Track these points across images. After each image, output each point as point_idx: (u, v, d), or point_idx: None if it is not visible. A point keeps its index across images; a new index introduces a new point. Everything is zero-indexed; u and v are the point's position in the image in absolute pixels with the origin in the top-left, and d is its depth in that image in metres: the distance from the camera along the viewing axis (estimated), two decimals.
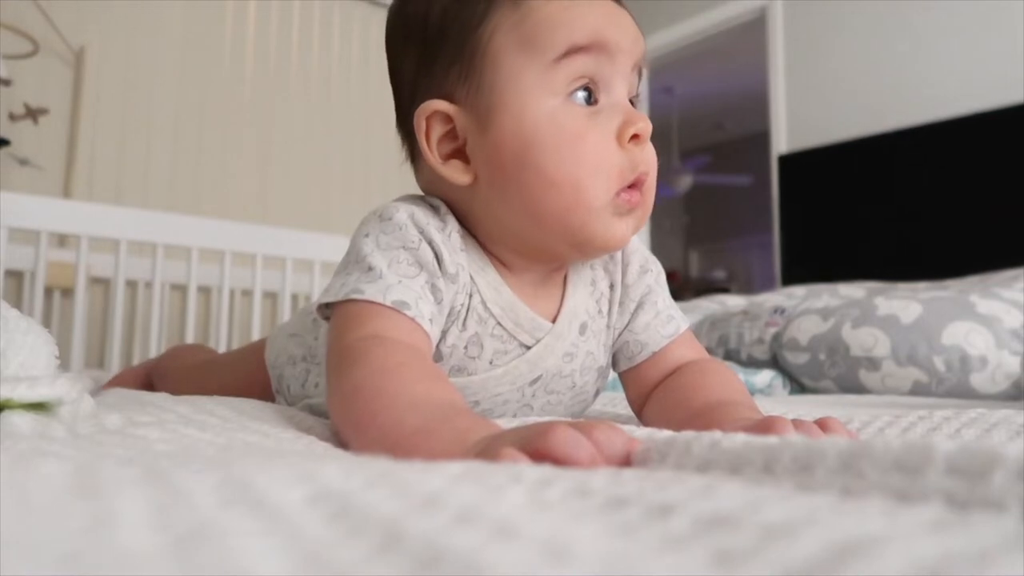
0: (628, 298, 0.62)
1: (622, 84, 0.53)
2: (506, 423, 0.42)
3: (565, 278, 0.60)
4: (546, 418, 0.49)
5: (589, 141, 0.51)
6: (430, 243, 0.53)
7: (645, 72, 0.57)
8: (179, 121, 2.30)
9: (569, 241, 0.54)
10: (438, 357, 0.55)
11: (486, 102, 0.52)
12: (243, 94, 2.45)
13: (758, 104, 3.29)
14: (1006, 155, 2.13)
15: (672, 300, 0.64)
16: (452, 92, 0.54)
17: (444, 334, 0.55)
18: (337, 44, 2.68)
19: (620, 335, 0.62)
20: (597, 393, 0.64)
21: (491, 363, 0.56)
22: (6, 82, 1.84)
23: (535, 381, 0.58)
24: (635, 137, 0.52)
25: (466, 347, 0.56)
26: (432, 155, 0.54)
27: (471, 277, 0.56)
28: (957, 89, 2.32)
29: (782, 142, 2.77)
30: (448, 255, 0.53)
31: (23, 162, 1.94)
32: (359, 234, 0.54)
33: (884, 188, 2.39)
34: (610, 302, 0.62)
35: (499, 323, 0.56)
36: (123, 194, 2.15)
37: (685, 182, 5.37)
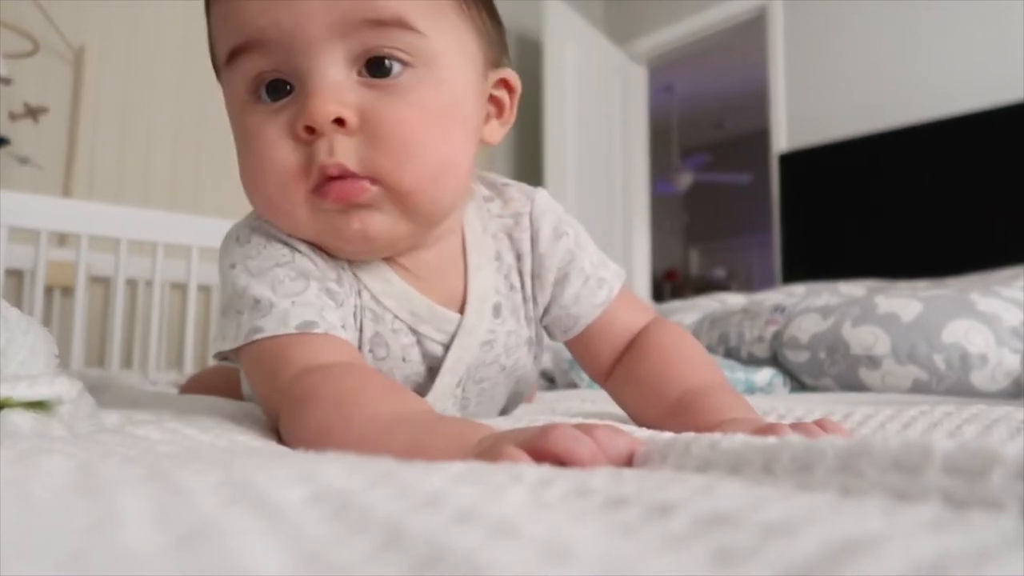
0: (543, 268, 0.57)
1: (323, 63, 0.45)
2: (502, 422, 0.42)
3: (465, 259, 0.55)
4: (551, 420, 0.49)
5: (260, 142, 0.46)
6: (299, 251, 0.50)
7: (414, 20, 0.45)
8: (179, 120, 2.30)
9: (318, 243, 0.50)
10: None
11: None
12: None
13: (758, 103, 3.29)
14: (1005, 153, 2.13)
15: (600, 256, 0.59)
16: None
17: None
18: None
19: (548, 309, 0.58)
20: (536, 359, 0.61)
21: (404, 360, 0.53)
22: (6, 81, 1.84)
23: (459, 383, 0.56)
24: (309, 130, 0.44)
25: (371, 350, 0.52)
26: None
27: (353, 274, 0.52)
28: (957, 87, 2.32)
29: (782, 140, 2.77)
30: (323, 256, 0.51)
31: (23, 161, 1.94)
32: (225, 266, 0.51)
33: (884, 186, 2.38)
34: (520, 273, 0.57)
35: (396, 316, 0.52)
36: (123, 193, 2.15)
37: (685, 181, 5.37)
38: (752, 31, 3.07)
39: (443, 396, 0.55)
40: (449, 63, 0.47)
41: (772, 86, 2.85)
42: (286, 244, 0.50)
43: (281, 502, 0.18)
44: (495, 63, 0.53)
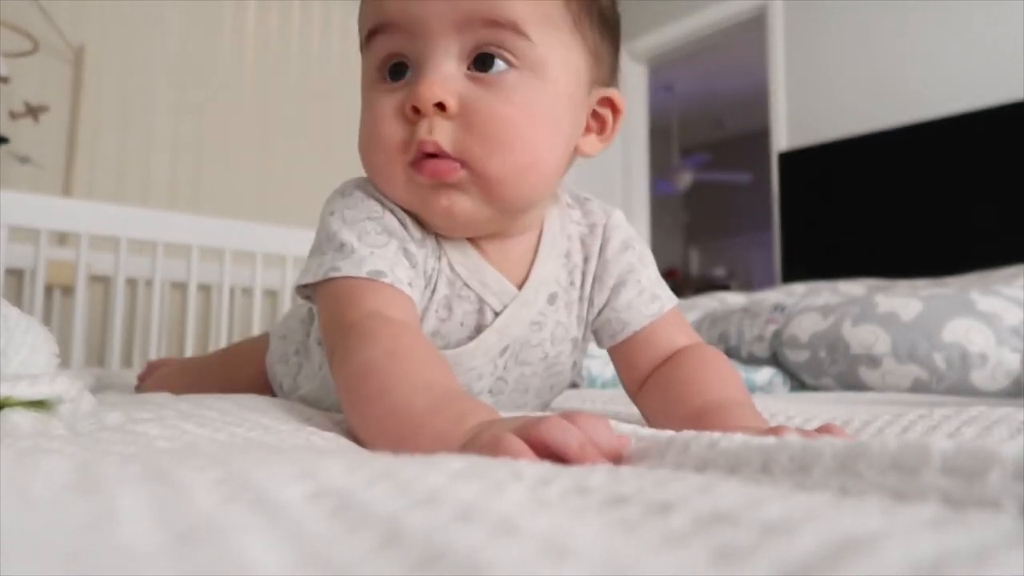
0: (606, 273, 0.61)
1: (438, 54, 0.50)
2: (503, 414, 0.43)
3: (538, 247, 0.60)
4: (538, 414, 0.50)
5: (375, 116, 0.52)
6: (392, 211, 0.55)
7: (520, 24, 0.50)
8: (179, 119, 2.30)
9: (411, 210, 0.55)
10: None
11: None
12: (243, 92, 2.45)
13: (758, 101, 3.29)
14: (1006, 152, 2.13)
15: (660, 278, 0.63)
16: None
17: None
18: (337, 42, 2.68)
19: (601, 312, 0.62)
20: (575, 367, 0.65)
21: (462, 324, 0.58)
22: (5, 80, 1.84)
23: (504, 351, 0.59)
24: (415, 110, 0.50)
25: (437, 310, 0.57)
26: None
27: (437, 241, 0.57)
28: (957, 86, 2.32)
29: (782, 139, 2.77)
30: (412, 221, 0.56)
31: (23, 160, 1.94)
32: (325, 213, 0.57)
33: (884, 185, 2.38)
34: (583, 274, 0.61)
35: (466, 284, 0.57)
36: (123, 192, 2.15)
37: (685, 180, 5.37)
38: (752, 30, 3.07)
39: (484, 358, 0.58)
40: (551, 72, 0.52)
41: (772, 85, 2.85)
42: (382, 204, 0.56)
43: (281, 500, 0.18)
44: (603, 82, 0.57)
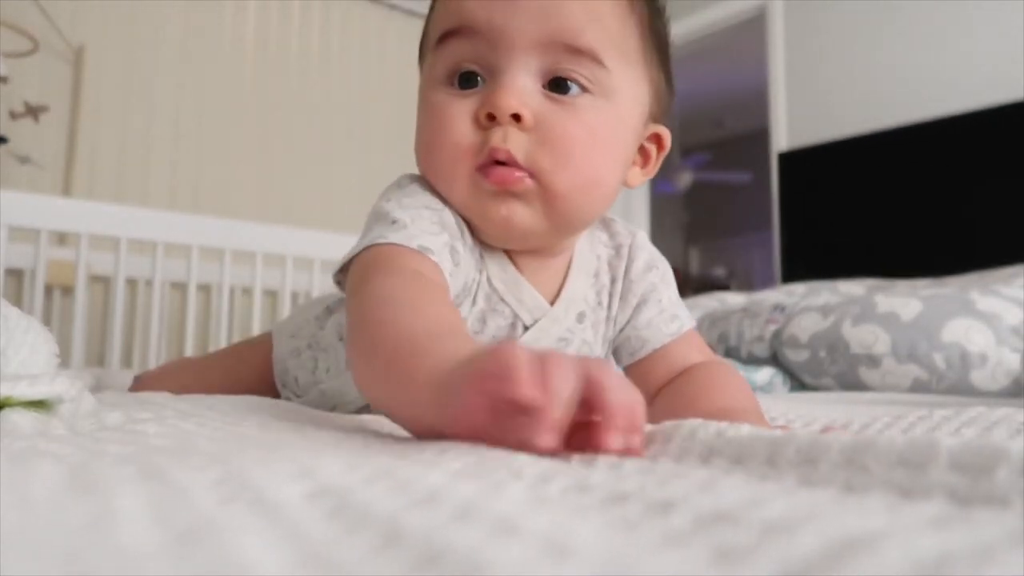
0: (631, 292, 0.62)
1: (516, 68, 0.51)
2: None
3: (569, 266, 0.61)
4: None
5: (444, 118, 0.52)
6: (450, 210, 0.55)
7: (594, 49, 0.51)
8: (179, 119, 2.30)
9: (465, 216, 0.55)
10: None
11: None
12: (243, 92, 2.45)
13: (758, 101, 3.29)
14: (1006, 152, 2.13)
15: (679, 299, 0.64)
16: None
17: (458, 308, 0.56)
18: (337, 42, 2.68)
19: (622, 330, 0.62)
20: None
21: (493, 338, 0.58)
22: (4, 80, 1.84)
23: None
24: (490, 117, 0.50)
25: (471, 323, 0.57)
26: None
27: (480, 254, 0.57)
28: (957, 86, 2.32)
29: (782, 139, 2.77)
30: (467, 228, 0.56)
31: (23, 160, 1.94)
32: (382, 199, 0.56)
33: (884, 185, 2.38)
34: (610, 295, 0.62)
35: (502, 299, 0.58)
36: (123, 192, 2.15)
37: (685, 179, 5.36)
38: (752, 29, 3.06)
39: None
40: (621, 101, 0.53)
41: (772, 85, 2.85)
42: (442, 200, 0.55)
43: (280, 499, 0.18)
44: (656, 119, 0.59)
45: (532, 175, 0.51)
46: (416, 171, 0.60)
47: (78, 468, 0.23)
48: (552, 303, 0.59)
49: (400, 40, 2.72)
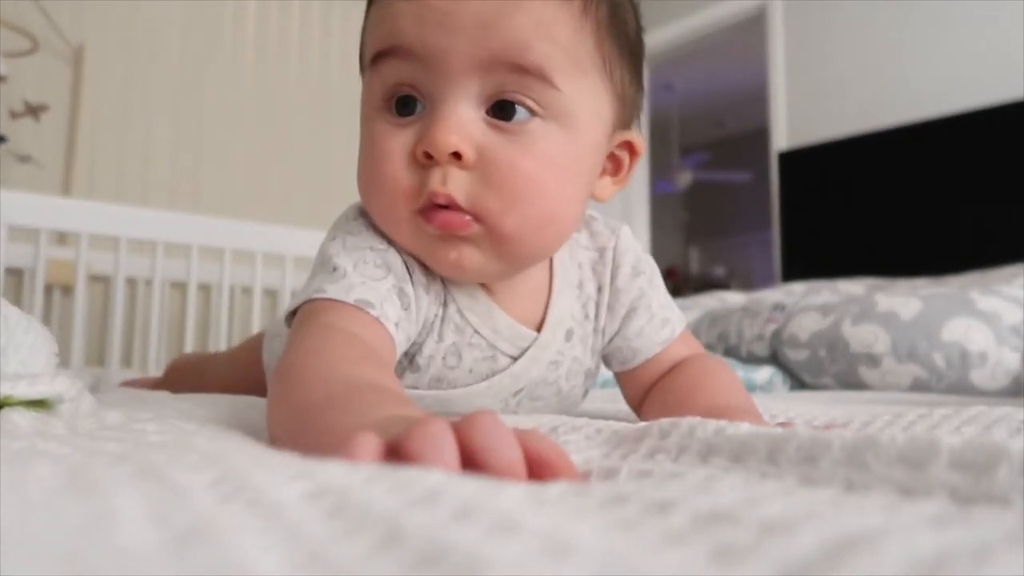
0: (618, 302, 0.59)
1: (455, 95, 0.46)
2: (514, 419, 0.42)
3: (552, 281, 0.57)
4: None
5: (380, 154, 0.48)
6: (396, 249, 0.51)
7: (550, 64, 0.46)
8: (179, 119, 2.30)
9: (418, 258, 0.51)
10: (416, 369, 0.54)
11: None
12: (243, 91, 2.45)
13: (758, 101, 3.29)
14: (1006, 151, 2.13)
15: (668, 299, 0.61)
16: None
17: (420, 345, 0.53)
18: (336, 42, 2.68)
19: (611, 340, 0.60)
20: (585, 393, 0.63)
21: (471, 371, 0.54)
22: (4, 79, 1.84)
23: (518, 392, 0.57)
24: (428, 155, 0.46)
25: (444, 357, 0.54)
26: None
27: (443, 284, 0.53)
28: (957, 85, 2.32)
29: (782, 139, 2.77)
30: (420, 263, 0.52)
31: (23, 159, 1.94)
32: (328, 237, 0.53)
33: (884, 185, 2.38)
34: (597, 305, 0.59)
35: (476, 331, 0.54)
36: (123, 192, 2.15)
37: (685, 179, 5.36)
38: (752, 29, 3.07)
39: (495, 398, 0.56)
40: (577, 121, 0.48)
41: (772, 84, 2.85)
42: (386, 238, 0.52)
43: (279, 499, 0.18)
44: (625, 124, 0.54)
45: (478, 218, 0.46)
46: None
47: (77, 468, 0.23)
48: (538, 326, 0.56)
49: None
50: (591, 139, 0.50)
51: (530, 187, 0.46)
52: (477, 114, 0.46)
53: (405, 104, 0.48)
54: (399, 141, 0.47)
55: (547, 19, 0.45)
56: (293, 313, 0.49)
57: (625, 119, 0.54)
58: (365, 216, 0.53)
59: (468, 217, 0.46)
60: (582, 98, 0.48)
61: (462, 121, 0.46)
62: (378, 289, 0.48)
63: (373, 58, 0.48)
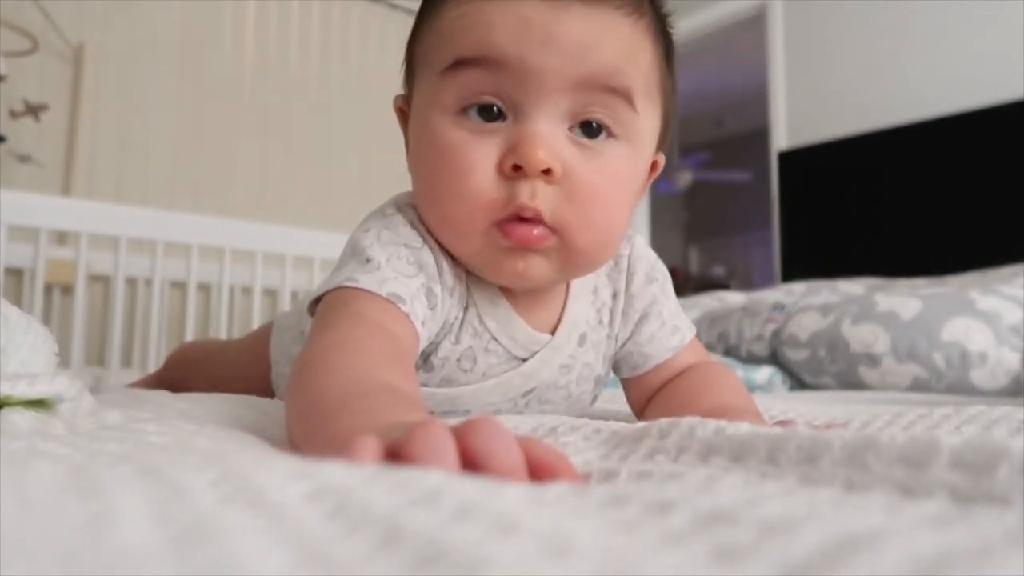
0: (632, 308, 0.59)
1: (546, 111, 0.46)
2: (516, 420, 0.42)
3: (568, 285, 0.58)
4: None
5: (463, 164, 0.47)
6: (431, 248, 0.51)
7: (634, 88, 0.48)
8: (179, 118, 2.30)
9: (468, 265, 0.52)
10: (429, 368, 0.54)
11: (412, 108, 0.53)
12: (243, 91, 2.45)
13: (758, 100, 3.29)
14: (1006, 151, 2.13)
15: (678, 307, 0.62)
16: (410, 93, 0.54)
17: (436, 346, 0.53)
18: (336, 42, 2.68)
19: (623, 346, 0.60)
20: (594, 399, 0.63)
21: (483, 375, 0.55)
22: (4, 78, 1.84)
23: (528, 392, 0.57)
24: (516, 168, 0.46)
25: (459, 360, 0.54)
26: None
27: (468, 288, 0.54)
28: (957, 85, 2.32)
29: (782, 138, 2.77)
30: (449, 264, 0.52)
31: (23, 159, 1.94)
32: (360, 229, 0.53)
33: (884, 184, 2.38)
34: (611, 311, 0.60)
35: (494, 338, 0.54)
36: (123, 191, 2.15)
37: (685, 179, 5.36)
38: (752, 29, 3.06)
39: (503, 396, 0.56)
40: (643, 143, 0.51)
41: (772, 84, 2.85)
42: (423, 237, 0.52)
43: (279, 499, 0.18)
44: (660, 147, 0.56)
45: (555, 231, 0.48)
46: (404, 187, 0.56)
47: (77, 468, 0.23)
48: (553, 330, 0.56)
49: (401, 39, 2.69)
50: (646, 160, 0.53)
51: (605, 204, 0.49)
52: (561, 130, 0.47)
53: (485, 111, 0.48)
54: (483, 151, 0.47)
55: (634, 47, 0.48)
56: (316, 301, 0.49)
57: (663, 141, 0.56)
58: (403, 212, 0.53)
59: (547, 231, 0.47)
60: (648, 122, 0.51)
61: (553, 138, 0.47)
62: (409, 286, 0.49)
63: (453, 63, 0.47)
